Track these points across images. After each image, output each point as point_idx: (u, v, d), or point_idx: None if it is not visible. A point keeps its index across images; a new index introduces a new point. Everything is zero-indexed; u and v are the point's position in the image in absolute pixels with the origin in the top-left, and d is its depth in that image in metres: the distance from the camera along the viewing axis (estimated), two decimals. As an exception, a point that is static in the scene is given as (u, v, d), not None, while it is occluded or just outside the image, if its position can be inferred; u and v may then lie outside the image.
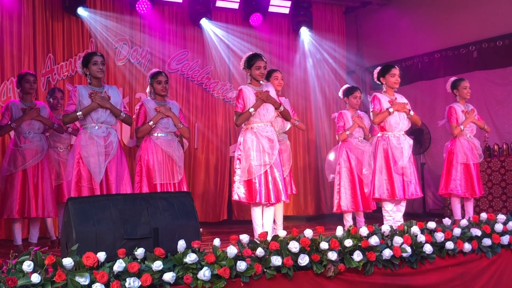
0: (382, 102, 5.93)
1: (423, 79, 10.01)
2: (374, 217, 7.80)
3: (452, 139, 6.91)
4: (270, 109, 5.58)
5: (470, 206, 6.91)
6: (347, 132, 6.77)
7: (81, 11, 8.01)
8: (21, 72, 6.56)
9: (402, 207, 5.96)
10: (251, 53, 5.72)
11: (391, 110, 5.85)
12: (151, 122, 5.76)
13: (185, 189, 5.91)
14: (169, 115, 5.84)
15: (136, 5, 8.39)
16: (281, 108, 5.69)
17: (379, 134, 6.04)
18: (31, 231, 6.34)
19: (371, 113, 5.99)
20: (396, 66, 6.02)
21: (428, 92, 9.87)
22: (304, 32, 9.94)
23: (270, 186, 5.47)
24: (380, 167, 5.91)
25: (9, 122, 6.10)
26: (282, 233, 3.98)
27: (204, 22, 9.04)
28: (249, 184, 5.49)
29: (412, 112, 5.99)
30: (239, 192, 5.52)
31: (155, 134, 5.83)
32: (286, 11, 9.75)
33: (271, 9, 9.55)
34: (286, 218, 7.19)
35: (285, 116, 5.89)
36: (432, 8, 9.71)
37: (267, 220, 5.60)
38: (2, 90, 7.48)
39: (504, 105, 8.99)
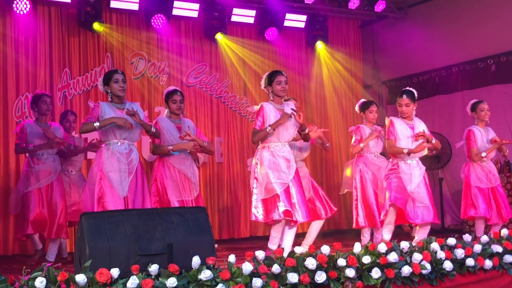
0: (396, 127, 5.79)
1: (440, 93, 9.88)
2: (394, 233, 7.68)
3: (467, 162, 6.77)
4: (290, 129, 5.48)
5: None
6: (361, 145, 6.67)
7: (96, 26, 8.03)
8: (36, 92, 6.57)
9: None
10: (270, 71, 5.65)
11: (405, 151, 5.67)
12: (171, 147, 5.72)
13: (202, 205, 5.85)
14: (195, 140, 5.74)
15: (152, 20, 8.40)
16: (307, 130, 5.62)
17: (390, 160, 5.96)
18: (49, 249, 6.31)
19: (386, 141, 5.89)
20: (400, 97, 5.79)
21: (445, 106, 9.75)
22: (320, 46, 9.91)
23: (288, 205, 5.32)
24: None
25: (24, 144, 6.11)
26: (299, 250, 3.91)
27: (219, 36, 9.03)
28: (266, 203, 5.37)
29: (434, 140, 5.80)
30: (256, 212, 5.40)
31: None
32: (302, 25, 9.74)
33: (286, 23, 9.54)
34: (301, 234, 7.10)
35: (306, 138, 5.79)
36: (449, 22, 9.63)
37: (287, 242, 5.48)
38: (17, 105, 7.50)
39: (524, 119, 8.86)
